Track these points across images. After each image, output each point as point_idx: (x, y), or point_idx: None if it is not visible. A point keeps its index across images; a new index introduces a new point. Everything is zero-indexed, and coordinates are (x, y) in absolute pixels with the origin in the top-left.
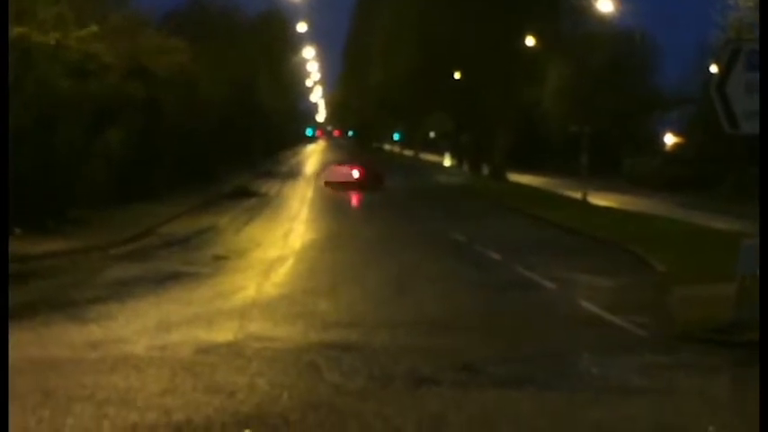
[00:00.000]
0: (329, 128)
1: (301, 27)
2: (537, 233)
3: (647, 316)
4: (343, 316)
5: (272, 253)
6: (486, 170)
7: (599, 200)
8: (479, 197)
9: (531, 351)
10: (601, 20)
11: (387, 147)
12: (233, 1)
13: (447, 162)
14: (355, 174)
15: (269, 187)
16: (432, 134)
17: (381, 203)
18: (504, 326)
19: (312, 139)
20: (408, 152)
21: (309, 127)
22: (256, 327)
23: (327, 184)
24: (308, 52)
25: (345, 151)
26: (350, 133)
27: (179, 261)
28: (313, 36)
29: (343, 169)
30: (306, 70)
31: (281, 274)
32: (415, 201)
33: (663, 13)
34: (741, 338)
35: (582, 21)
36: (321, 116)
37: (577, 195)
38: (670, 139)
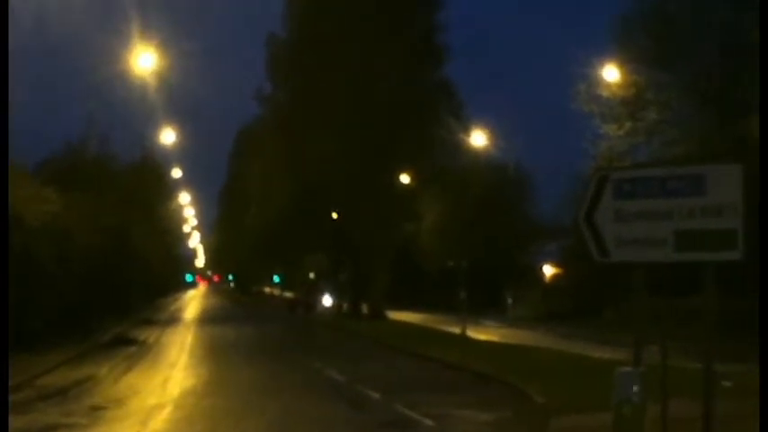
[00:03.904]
0: (209, 273)
1: (176, 173)
2: (416, 370)
3: None
4: None
5: (151, 401)
6: (365, 309)
7: (479, 334)
8: (358, 337)
9: None
10: (475, 154)
11: (267, 290)
12: (106, 149)
13: (327, 302)
14: None
15: (148, 335)
16: (312, 275)
17: (261, 348)
18: None
19: (192, 285)
20: (289, 294)
21: (189, 273)
22: None
23: None
24: (185, 198)
25: (225, 296)
26: (230, 277)
27: (57, 413)
28: (189, 181)
29: None
30: (183, 216)
31: (160, 421)
32: (294, 344)
33: (535, 145)
34: None
35: (456, 155)
36: (200, 261)
37: (457, 330)
38: (549, 270)
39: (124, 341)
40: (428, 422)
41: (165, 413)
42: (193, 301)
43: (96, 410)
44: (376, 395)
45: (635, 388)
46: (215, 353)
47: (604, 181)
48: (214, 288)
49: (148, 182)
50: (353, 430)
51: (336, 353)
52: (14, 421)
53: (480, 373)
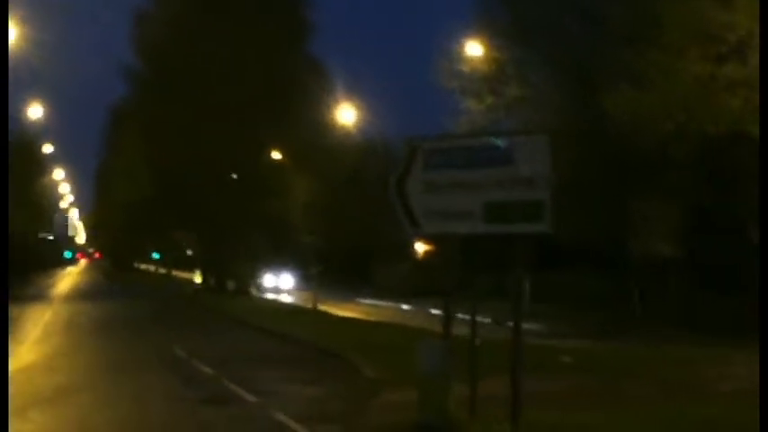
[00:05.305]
0: (90, 249)
1: (47, 148)
2: (260, 346)
3: (339, 424)
4: None
5: None
6: (231, 285)
7: (342, 310)
8: (217, 313)
9: None
10: (344, 131)
11: (145, 266)
12: None
13: (197, 279)
14: None
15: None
16: (189, 252)
17: (118, 324)
18: None
19: (72, 262)
20: (163, 270)
21: (69, 250)
22: None
23: None
24: (59, 174)
25: (101, 273)
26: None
27: None
28: (65, 157)
29: None
30: (59, 192)
31: None
32: (152, 321)
33: (407, 121)
34: None
35: (325, 132)
36: (81, 238)
37: (320, 307)
38: (421, 247)
39: None
40: (251, 398)
41: None
42: (68, 278)
43: None
44: (209, 370)
45: (438, 361)
46: (70, 329)
47: (415, 151)
48: (95, 264)
49: (17, 157)
50: (172, 405)
51: (189, 330)
52: None
53: (323, 349)
